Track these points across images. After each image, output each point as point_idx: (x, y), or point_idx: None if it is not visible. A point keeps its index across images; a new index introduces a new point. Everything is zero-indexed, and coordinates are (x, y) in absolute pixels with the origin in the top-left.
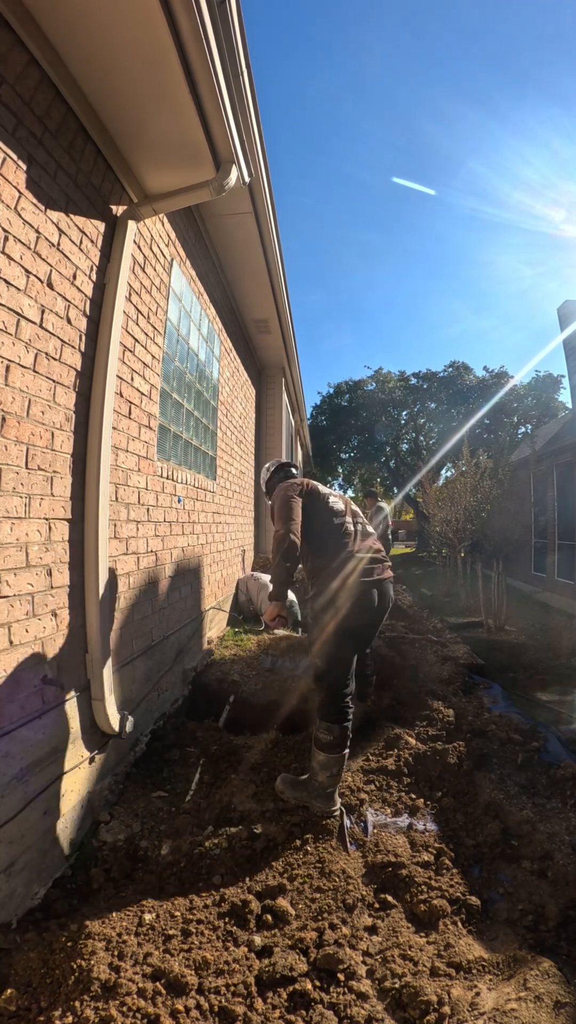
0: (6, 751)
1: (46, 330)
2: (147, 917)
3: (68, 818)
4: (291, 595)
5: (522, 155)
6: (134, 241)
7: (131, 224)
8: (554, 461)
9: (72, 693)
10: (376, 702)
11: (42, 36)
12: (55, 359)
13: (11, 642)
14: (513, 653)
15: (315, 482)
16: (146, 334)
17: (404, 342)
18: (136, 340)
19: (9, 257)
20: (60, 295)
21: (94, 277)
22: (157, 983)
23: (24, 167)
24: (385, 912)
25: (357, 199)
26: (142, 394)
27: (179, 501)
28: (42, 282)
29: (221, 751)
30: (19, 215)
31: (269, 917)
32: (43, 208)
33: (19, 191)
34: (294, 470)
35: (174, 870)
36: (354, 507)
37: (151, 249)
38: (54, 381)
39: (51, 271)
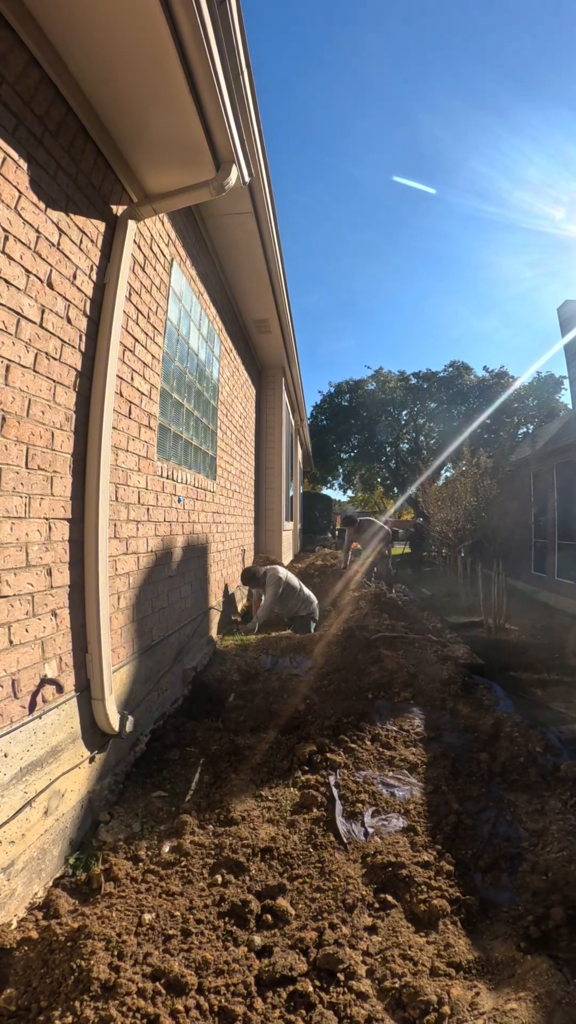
0: (6, 751)
1: (46, 330)
2: (147, 917)
3: (68, 818)
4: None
5: (524, 153)
6: (134, 241)
7: (131, 224)
8: (555, 461)
9: (72, 693)
10: (374, 701)
11: (42, 36)
12: (55, 359)
13: (11, 642)
14: (513, 653)
15: None
16: (146, 334)
17: (404, 343)
18: (136, 340)
19: (9, 257)
20: (60, 295)
21: (94, 277)
22: (157, 983)
23: (24, 167)
24: (385, 912)
25: (357, 198)
26: (142, 394)
27: (179, 501)
28: (42, 282)
29: (221, 751)
30: (19, 215)
31: (269, 917)
32: (43, 208)
33: (19, 191)
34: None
35: (174, 870)
36: None
37: (151, 249)
38: (54, 381)
39: (51, 271)
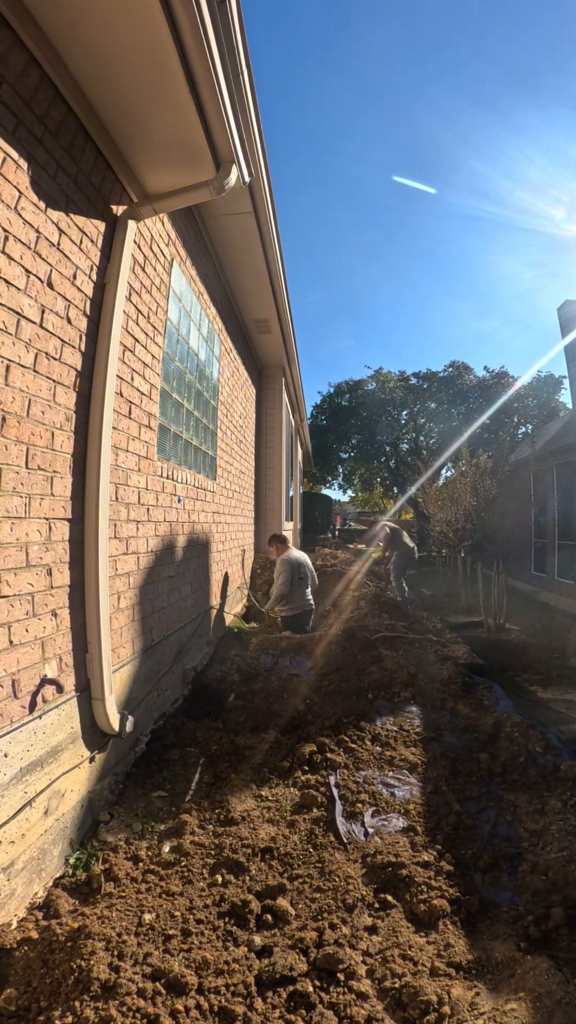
0: (6, 751)
1: (46, 330)
2: (147, 917)
3: (68, 818)
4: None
5: (525, 153)
6: (134, 241)
7: (131, 224)
8: (555, 461)
9: (72, 693)
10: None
11: (42, 36)
12: (55, 359)
13: (11, 642)
14: (513, 653)
15: None
16: (146, 334)
17: (404, 343)
18: (136, 340)
19: (9, 257)
20: (60, 295)
21: (94, 277)
22: (157, 983)
23: (24, 167)
24: (385, 912)
25: (357, 198)
26: (142, 394)
27: (179, 501)
28: (42, 282)
29: (221, 751)
30: (19, 215)
31: (269, 917)
32: (43, 208)
33: (19, 191)
34: None
35: (174, 870)
36: None
37: (151, 249)
38: (54, 381)
39: (51, 271)
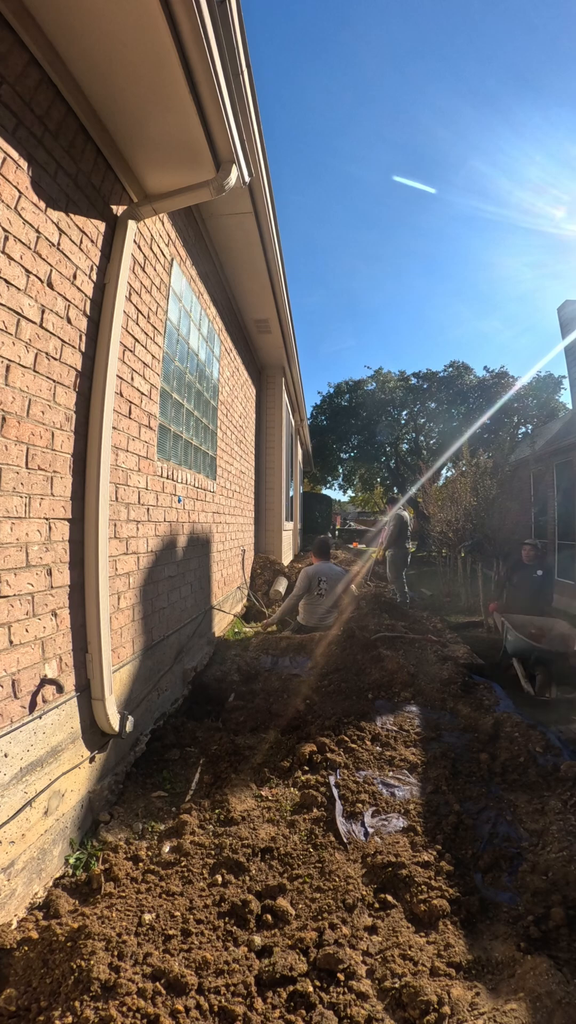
0: (6, 751)
1: (46, 330)
2: (147, 917)
3: (68, 818)
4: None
5: (525, 152)
6: (134, 241)
7: (131, 224)
8: (555, 461)
9: (72, 693)
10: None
11: (42, 36)
12: (55, 359)
13: (11, 642)
14: None
15: None
16: (146, 334)
17: (405, 343)
18: (136, 340)
19: (9, 257)
20: (60, 295)
21: (94, 277)
22: (157, 983)
23: (24, 167)
24: (385, 912)
25: (357, 198)
26: (142, 394)
27: (179, 501)
28: (42, 282)
29: (221, 751)
30: (19, 215)
31: (269, 917)
32: (43, 208)
33: (19, 191)
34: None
35: (174, 870)
36: None
37: (151, 249)
38: (54, 381)
39: (51, 271)
